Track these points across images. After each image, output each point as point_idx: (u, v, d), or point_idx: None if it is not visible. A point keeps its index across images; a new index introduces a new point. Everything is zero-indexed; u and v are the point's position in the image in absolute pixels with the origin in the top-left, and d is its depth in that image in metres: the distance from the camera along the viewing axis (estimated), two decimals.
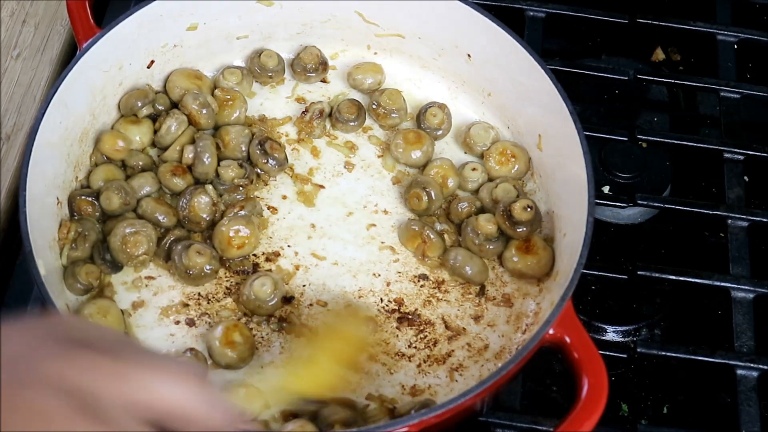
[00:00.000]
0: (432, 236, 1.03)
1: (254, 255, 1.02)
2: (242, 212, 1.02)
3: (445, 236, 1.04)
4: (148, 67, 1.09)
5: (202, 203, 1.02)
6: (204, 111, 1.06)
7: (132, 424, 0.62)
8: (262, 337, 0.98)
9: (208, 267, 0.99)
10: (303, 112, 1.11)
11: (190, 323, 0.98)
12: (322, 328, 0.97)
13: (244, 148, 1.06)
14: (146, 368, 0.64)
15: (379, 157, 1.10)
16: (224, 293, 1.00)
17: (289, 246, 1.04)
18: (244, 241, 1.00)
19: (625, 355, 1.02)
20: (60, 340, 0.63)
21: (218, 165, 1.04)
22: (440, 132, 1.11)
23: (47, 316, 0.76)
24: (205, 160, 1.03)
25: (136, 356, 0.65)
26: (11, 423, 0.59)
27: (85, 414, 0.60)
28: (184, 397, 0.65)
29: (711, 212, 1.10)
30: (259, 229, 1.03)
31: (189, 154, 1.04)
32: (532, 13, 1.23)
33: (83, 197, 1.01)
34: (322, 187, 1.08)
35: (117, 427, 0.61)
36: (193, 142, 1.05)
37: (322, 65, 1.14)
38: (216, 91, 1.10)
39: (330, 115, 1.11)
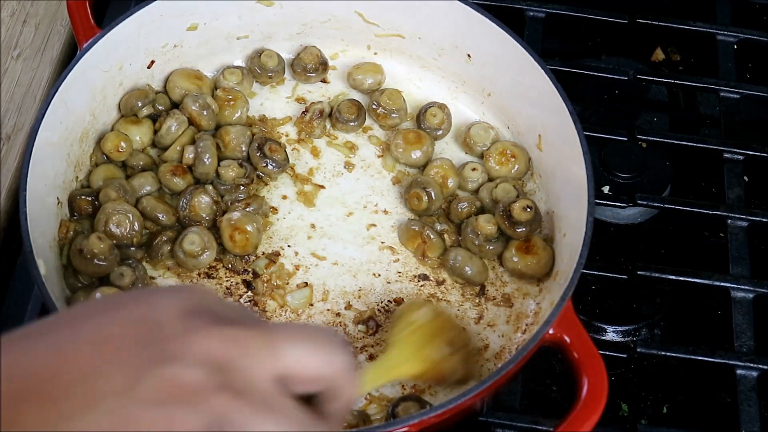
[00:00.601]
0: (432, 236, 1.03)
1: (254, 255, 1.02)
2: (248, 209, 1.02)
3: (445, 236, 1.04)
4: (149, 67, 1.10)
5: (202, 203, 1.02)
6: (205, 113, 1.06)
7: (277, 397, 0.60)
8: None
9: (205, 253, 0.99)
10: (303, 112, 1.11)
11: None
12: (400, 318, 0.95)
13: (244, 149, 1.06)
14: (291, 339, 0.62)
15: (379, 157, 1.10)
16: (224, 293, 1.00)
17: (289, 246, 1.04)
18: (246, 237, 1.00)
19: (625, 355, 1.02)
20: (199, 312, 0.61)
21: (218, 165, 1.04)
22: (440, 132, 1.11)
23: (183, 288, 0.73)
24: (205, 160, 1.03)
25: (274, 327, 0.63)
26: (157, 396, 0.57)
27: (232, 388, 0.58)
28: (333, 366, 0.63)
29: (711, 212, 1.10)
30: (261, 229, 1.03)
31: (189, 155, 1.04)
32: (532, 13, 1.23)
33: (83, 197, 1.01)
34: (322, 187, 1.08)
35: (263, 401, 0.59)
36: (193, 142, 1.05)
37: (322, 65, 1.14)
38: (217, 91, 1.10)
39: (330, 115, 1.12)
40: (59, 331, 0.60)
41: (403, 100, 1.12)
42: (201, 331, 0.60)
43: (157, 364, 0.58)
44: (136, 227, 0.99)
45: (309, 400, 0.63)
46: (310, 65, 1.13)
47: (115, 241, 0.98)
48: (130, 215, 0.99)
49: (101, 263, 0.96)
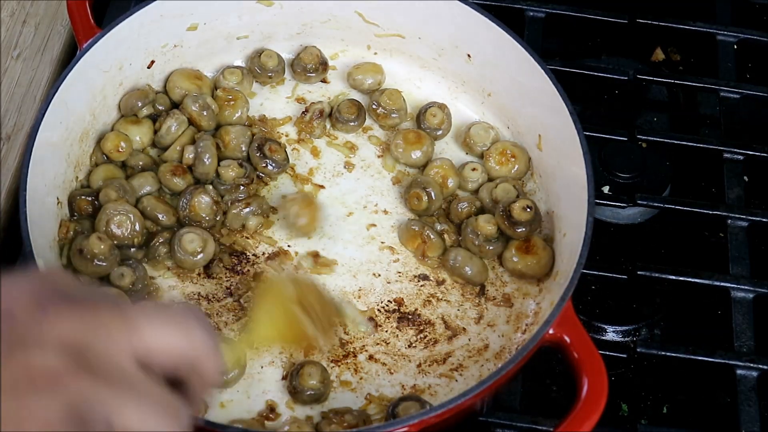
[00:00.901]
0: (432, 236, 1.03)
1: (254, 255, 1.02)
2: (247, 209, 1.02)
3: (445, 236, 1.04)
4: (149, 68, 1.10)
5: (202, 203, 1.02)
6: (205, 113, 1.06)
7: (137, 375, 0.60)
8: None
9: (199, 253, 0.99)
10: (303, 112, 1.11)
11: None
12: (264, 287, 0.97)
13: (244, 149, 1.06)
14: (148, 318, 0.62)
15: (379, 157, 1.10)
16: (224, 293, 1.00)
17: (289, 246, 1.04)
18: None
19: (625, 355, 1.02)
20: (51, 296, 0.60)
21: (218, 165, 1.04)
22: (440, 132, 1.11)
23: (33, 272, 0.72)
24: (205, 160, 1.03)
25: (128, 306, 0.63)
26: (13, 386, 0.56)
27: (89, 369, 0.58)
28: (192, 343, 0.63)
29: (711, 212, 1.10)
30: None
31: (189, 155, 1.04)
32: (532, 13, 1.23)
33: (83, 197, 1.01)
34: (322, 187, 1.08)
35: (122, 380, 0.59)
36: (193, 142, 1.05)
37: (322, 65, 1.14)
38: (218, 91, 1.10)
39: (330, 115, 1.12)
40: None
41: (403, 100, 1.12)
42: (55, 316, 0.59)
43: (11, 352, 0.57)
44: (137, 228, 0.99)
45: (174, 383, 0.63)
46: (310, 65, 1.13)
47: (115, 242, 0.98)
48: (131, 216, 0.99)
49: (101, 263, 0.96)
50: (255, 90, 1.14)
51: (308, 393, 0.93)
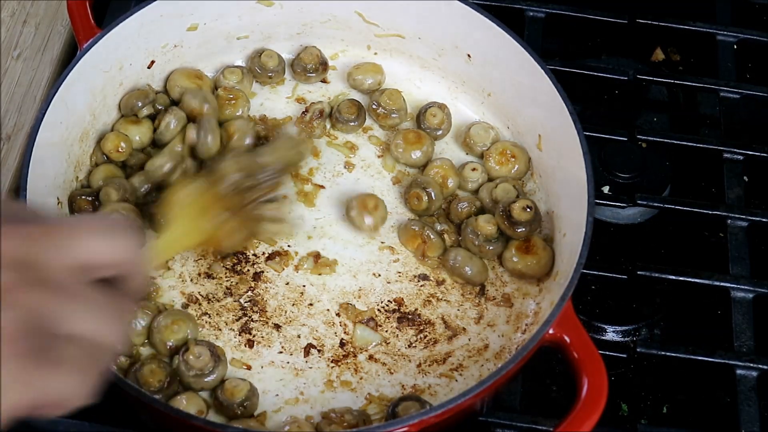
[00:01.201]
0: (432, 236, 1.03)
1: (254, 255, 1.02)
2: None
3: (445, 236, 1.04)
4: (149, 68, 1.10)
5: None
6: (206, 106, 1.06)
7: (78, 283, 0.64)
8: (263, 337, 0.98)
9: None
10: (303, 112, 1.11)
11: None
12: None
13: (248, 141, 1.06)
14: (79, 229, 0.66)
15: (379, 157, 1.10)
16: (224, 293, 1.00)
17: (289, 246, 1.04)
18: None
19: (624, 355, 1.02)
20: None
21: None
22: (440, 132, 1.11)
23: None
24: (208, 141, 1.03)
25: (67, 221, 0.67)
26: None
27: (38, 282, 0.62)
28: (124, 250, 0.68)
29: (711, 212, 1.10)
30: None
31: (192, 134, 1.04)
32: (532, 13, 1.23)
33: (84, 197, 1.01)
34: (322, 187, 1.08)
35: (68, 289, 0.63)
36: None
37: (322, 65, 1.14)
38: (219, 90, 1.10)
39: (330, 115, 1.12)
40: None
41: (403, 100, 1.12)
42: (3, 236, 0.62)
43: None
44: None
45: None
46: (310, 65, 1.13)
47: None
48: (131, 216, 0.99)
49: None
50: (255, 90, 1.14)
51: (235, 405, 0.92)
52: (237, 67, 1.13)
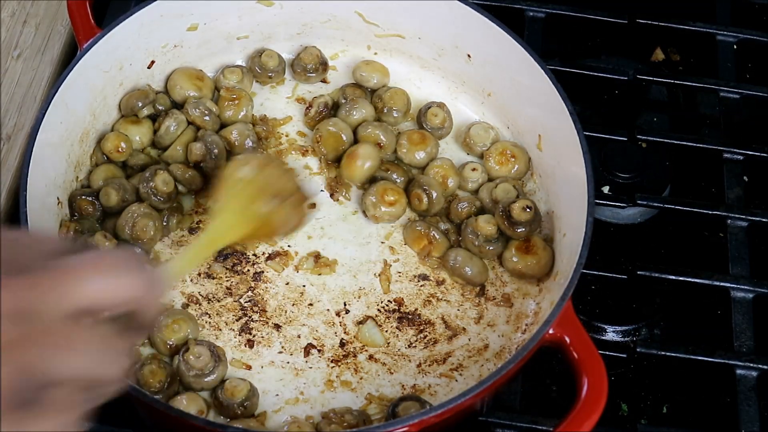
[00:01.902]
0: (438, 236, 1.03)
1: (254, 255, 1.02)
2: None
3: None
4: (149, 68, 1.10)
5: None
6: (207, 117, 1.06)
7: (78, 328, 0.63)
8: (263, 337, 0.98)
9: None
10: (307, 108, 1.11)
11: None
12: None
13: (250, 144, 1.06)
14: (82, 271, 0.64)
15: None
16: (224, 293, 1.00)
17: (289, 246, 1.04)
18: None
19: (624, 355, 1.02)
20: None
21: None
22: (443, 131, 1.10)
23: None
24: (215, 154, 1.03)
25: (70, 263, 0.65)
26: None
27: (30, 336, 0.62)
28: (133, 287, 0.66)
29: (711, 212, 1.10)
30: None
31: (198, 150, 1.04)
32: (532, 14, 1.23)
33: (84, 197, 1.01)
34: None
35: (65, 340, 0.63)
36: (195, 139, 1.05)
37: (322, 65, 1.14)
38: (221, 91, 1.10)
39: (336, 106, 1.11)
40: None
41: (407, 99, 1.11)
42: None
43: None
44: (156, 229, 1.00)
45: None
46: (310, 65, 1.13)
47: (138, 243, 0.99)
48: (155, 221, 1.00)
49: None
50: (255, 90, 1.14)
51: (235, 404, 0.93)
52: (237, 66, 1.13)
